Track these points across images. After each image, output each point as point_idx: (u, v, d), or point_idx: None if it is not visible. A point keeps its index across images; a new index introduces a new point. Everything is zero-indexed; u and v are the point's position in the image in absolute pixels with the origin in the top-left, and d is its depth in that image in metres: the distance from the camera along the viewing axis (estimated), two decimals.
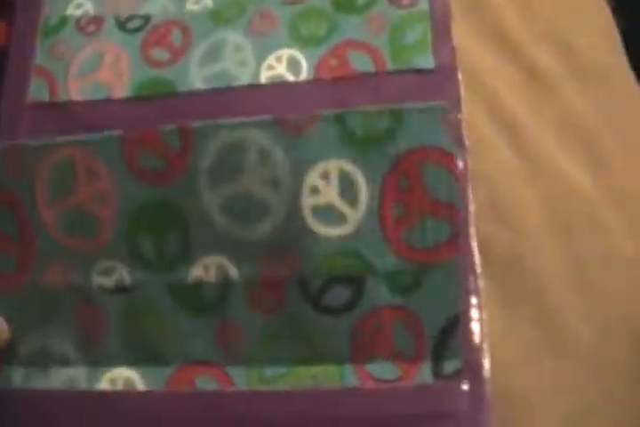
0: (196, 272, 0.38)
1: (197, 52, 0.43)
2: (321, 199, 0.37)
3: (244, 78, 0.42)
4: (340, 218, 0.37)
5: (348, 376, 0.36)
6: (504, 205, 0.39)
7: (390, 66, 0.41)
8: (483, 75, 0.42)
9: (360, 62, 0.41)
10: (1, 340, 0.39)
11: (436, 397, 0.35)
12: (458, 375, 0.35)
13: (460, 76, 0.41)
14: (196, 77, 0.42)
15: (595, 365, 0.37)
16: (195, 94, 0.42)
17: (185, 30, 0.44)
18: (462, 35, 0.42)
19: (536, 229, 0.39)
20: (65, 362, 0.39)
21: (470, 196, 0.37)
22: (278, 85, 0.42)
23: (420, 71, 0.41)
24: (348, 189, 0.37)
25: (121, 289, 0.39)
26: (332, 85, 0.41)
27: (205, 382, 0.37)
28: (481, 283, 0.36)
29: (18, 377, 0.39)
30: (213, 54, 0.43)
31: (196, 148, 0.38)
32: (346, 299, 0.36)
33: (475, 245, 0.37)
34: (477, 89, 0.41)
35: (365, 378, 0.36)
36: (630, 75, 0.46)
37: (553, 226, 0.39)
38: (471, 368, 0.35)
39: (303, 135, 0.37)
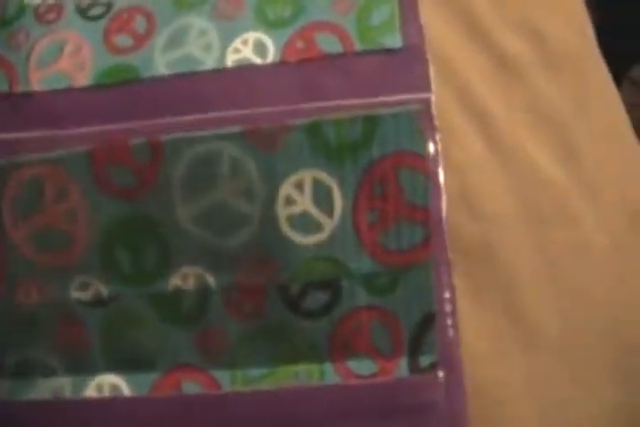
0: (175, 282, 0.38)
1: (161, 38, 0.43)
2: (296, 209, 0.37)
3: (208, 63, 0.41)
4: (316, 226, 0.37)
5: (329, 373, 0.37)
6: (475, 196, 0.39)
7: (358, 46, 0.41)
8: (453, 62, 0.42)
9: (327, 43, 0.41)
10: None
11: (412, 390, 0.36)
12: (433, 368, 0.36)
13: (428, 56, 0.41)
14: (160, 63, 0.42)
15: (566, 358, 0.38)
16: (159, 80, 0.41)
17: (148, 16, 0.43)
18: (432, 21, 0.42)
19: (507, 220, 0.39)
20: (50, 372, 0.39)
21: (444, 194, 0.38)
22: (245, 68, 0.41)
23: (388, 51, 0.40)
24: (322, 197, 0.37)
25: (99, 302, 0.39)
26: (300, 67, 0.41)
27: (191, 385, 0.38)
28: (454, 278, 0.37)
29: (4, 389, 0.39)
30: (177, 40, 0.42)
31: (167, 160, 0.38)
32: (324, 302, 0.37)
33: (447, 240, 0.38)
34: (448, 77, 0.41)
35: (346, 374, 0.37)
36: (602, 64, 0.46)
37: (524, 217, 0.39)
38: (446, 361, 0.36)
39: (276, 146, 0.38)
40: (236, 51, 0.42)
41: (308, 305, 0.37)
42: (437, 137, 0.39)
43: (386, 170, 0.37)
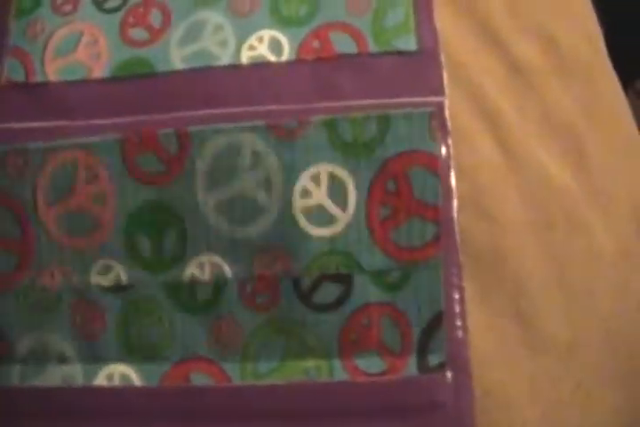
0: (191, 270, 0.39)
1: (177, 33, 0.43)
2: (311, 201, 0.38)
3: (224, 59, 0.42)
4: (330, 219, 0.38)
5: (338, 370, 0.37)
6: (485, 199, 0.40)
7: (373, 47, 0.41)
8: (467, 67, 0.42)
9: (342, 44, 0.41)
10: None
11: (421, 389, 0.37)
12: (442, 368, 0.37)
13: (442, 59, 0.41)
14: (176, 57, 0.42)
15: (570, 363, 0.38)
16: (174, 74, 0.42)
17: (164, 10, 0.43)
18: (446, 25, 0.42)
19: (516, 225, 0.40)
20: (62, 359, 0.39)
21: (455, 196, 0.38)
22: (260, 66, 0.42)
23: (402, 53, 0.41)
24: (337, 191, 0.38)
25: (118, 288, 0.39)
26: (315, 66, 0.41)
27: (200, 377, 0.38)
28: (464, 278, 0.38)
29: (15, 375, 0.39)
30: (193, 34, 0.43)
31: (194, 151, 0.39)
32: (335, 296, 0.38)
33: (458, 241, 0.38)
34: (461, 81, 0.42)
35: (354, 372, 0.37)
36: (612, 72, 0.46)
37: (533, 223, 0.40)
38: (454, 362, 0.37)
39: (295, 140, 0.38)
40: (252, 48, 0.42)
41: (319, 298, 0.38)
42: (449, 140, 0.40)
43: (398, 168, 0.38)
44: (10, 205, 0.40)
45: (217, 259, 0.39)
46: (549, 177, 0.41)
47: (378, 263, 0.38)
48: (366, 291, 0.38)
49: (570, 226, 0.40)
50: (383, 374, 0.37)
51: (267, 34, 0.42)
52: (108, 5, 0.44)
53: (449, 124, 0.40)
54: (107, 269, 0.39)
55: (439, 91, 0.41)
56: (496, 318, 0.38)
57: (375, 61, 0.41)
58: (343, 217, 0.38)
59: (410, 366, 0.37)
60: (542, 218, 0.40)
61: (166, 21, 0.43)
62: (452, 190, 0.39)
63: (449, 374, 0.37)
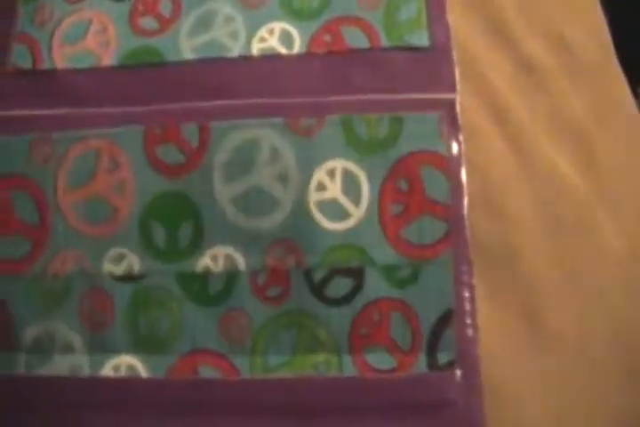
0: (205, 262, 0.39)
1: (187, 23, 0.43)
2: (326, 195, 0.38)
3: (235, 50, 0.42)
4: (344, 213, 0.38)
5: (348, 366, 0.37)
6: (495, 197, 0.40)
7: (385, 42, 0.41)
8: (478, 65, 0.42)
9: (354, 38, 0.42)
10: None
11: (430, 386, 0.37)
12: (451, 366, 0.37)
13: (454, 56, 0.41)
14: (186, 47, 0.42)
15: (577, 363, 0.38)
16: (184, 64, 0.42)
17: (174, 0, 0.43)
18: (459, 23, 0.43)
19: (527, 222, 0.40)
20: (69, 349, 0.39)
21: (465, 193, 0.39)
22: (270, 58, 0.42)
23: (414, 49, 0.41)
24: (351, 186, 0.38)
25: (129, 277, 0.39)
26: (326, 60, 0.41)
27: (208, 370, 0.38)
28: (474, 276, 0.38)
29: (21, 363, 0.39)
30: (203, 25, 0.43)
31: (214, 145, 0.39)
32: (347, 290, 0.38)
33: (469, 238, 0.38)
34: (472, 78, 0.42)
35: (364, 367, 0.37)
36: (621, 75, 0.47)
37: (543, 222, 0.40)
38: (464, 360, 0.37)
39: (312, 136, 0.39)
40: (262, 40, 0.42)
41: (331, 292, 0.38)
42: (460, 137, 0.40)
43: (410, 167, 0.39)
44: (32, 191, 0.40)
45: (231, 251, 0.39)
46: (560, 176, 0.41)
47: (389, 259, 0.38)
48: (377, 285, 0.38)
49: (579, 225, 0.40)
50: (392, 370, 0.37)
51: (277, 26, 0.42)
52: None
53: (460, 121, 0.40)
54: (119, 258, 0.39)
55: (451, 87, 0.41)
56: (506, 316, 0.38)
57: (387, 56, 0.41)
58: (356, 212, 0.38)
59: (419, 364, 0.37)
60: (552, 216, 0.40)
61: (176, 11, 0.43)
62: (462, 187, 0.39)
63: (458, 373, 0.37)
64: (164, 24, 0.43)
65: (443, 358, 0.37)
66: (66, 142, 0.40)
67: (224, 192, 0.39)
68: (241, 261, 0.38)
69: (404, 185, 0.38)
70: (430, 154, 0.39)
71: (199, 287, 0.39)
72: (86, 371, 0.38)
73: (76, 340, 0.39)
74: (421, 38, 0.41)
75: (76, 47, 0.43)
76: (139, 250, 0.39)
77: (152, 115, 0.41)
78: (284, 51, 0.42)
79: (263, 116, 0.40)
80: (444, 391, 0.37)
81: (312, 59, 0.41)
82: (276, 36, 0.42)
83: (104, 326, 0.39)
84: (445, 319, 0.37)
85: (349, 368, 0.37)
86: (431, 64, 0.41)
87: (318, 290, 0.38)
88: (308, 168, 0.39)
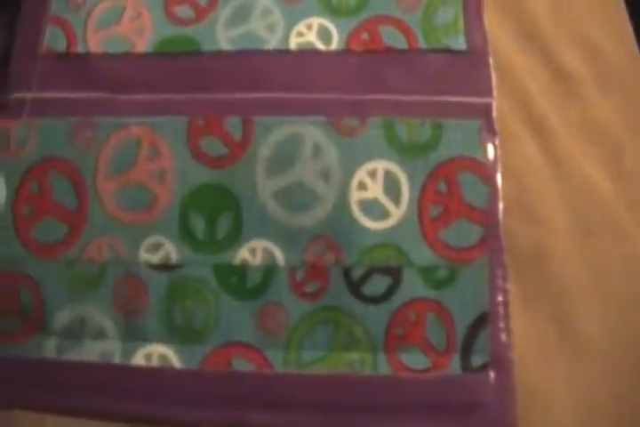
0: (243, 255, 0.38)
1: (223, 13, 0.43)
2: (367, 194, 0.39)
3: (272, 43, 0.41)
4: (384, 213, 0.39)
5: (383, 364, 0.37)
6: (530, 202, 0.40)
7: (422, 44, 0.42)
8: (513, 70, 0.43)
9: (392, 38, 0.42)
10: None
11: (463, 388, 0.37)
12: (485, 369, 0.37)
13: (491, 61, 0.42)
14: (222, 38, 0.42)
15: (607, 369, 0.38)
16: (221, 55, 0.42)
17: None
18: (494, 29, 0.43)
19: (558, 228, 0.40)
20: (101, 335, 0.38)
21: (500, 198, 0.39)
22: (308, 53, 0.42)
23: (452, 52, 0.41)
24: (392, 187, 0.39)
25: (166, 266, 0.39)
26: (364, 58, 0.42)
27: (242, 363, 0.38)
28: (508, 281, 0.38)
29: (51, 347, 0.38)
30: (241, 16, 0.42)
31: (257, 139, 0.39)
32: (384, 289, 0.38)
33: (504, 243, 0.39)
34: (507, 83, 0.42)
35: (398, 367, 0.37)
36: None
37: (574, 228, 0.40)
38: (498, 363, 0.37)
39: (355, 136, 0.39)
40: (300, 34, 0.42)
41: (369, 290, 0.38)
42: (497, 141, 0.40)
43: (450, 171, 0.39)
44: (72, 174, 0.40)
45: (270, 245, 0.38)
46: (591, 183, 0.41)
47: (427, 259, 0.38)
48: (414, 285, 0.38)
49: (609, 231, 0.40)
50: (427, 370, 0.37)
51: (315, 21, 0.42)
52: None
53: (496, 125, 0.40)
54: (156, 247, 0.39)
55: (488, 92, 0.41)
56: (537, 320, 0.38)
57: (425, 58, 0.41)
58: (396, 212, 0.39)
59: (453, 365, 0.37)
60: (583, 221, 0.40)
61: (213, 1, 0.43)
62: (498, 192, 0.39)
63: (492, 375, 0.37)
64: (201, 13, 0.42)
65: (477, 360, 0.37)
66: (107, 128, 0.40)
67: (265, 186, 0.39)
68: (279, 256, 0.38)
69: (443, 188, 0.39)
70: (469, 160, 0.39)
71: (236, 280, 0.38)
72: (117, 358, 0.38)
73: (109, 326, 0.38)
74: (459, 42, 0.42)
75: (110, 32, 0.42)
76: (176, 239, 0.39)
77: (192, 104, 0.40)
78: (321, 46, 0.42)
79: (303, 111, 0.40)
80: (476, 393, 0.37)
81: (349, 56, 0.41)
82: (314, 32, 0.42)
83: (138, 314, 0.38)
84: (480, 322, 0.37)
85: (384, 367, 0.37)
86: (468, 68, 0.41)
87: (356, 288, 0.38)
88: (349, 167, 0.39)
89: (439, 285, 0.38)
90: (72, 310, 0.38)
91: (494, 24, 0.43)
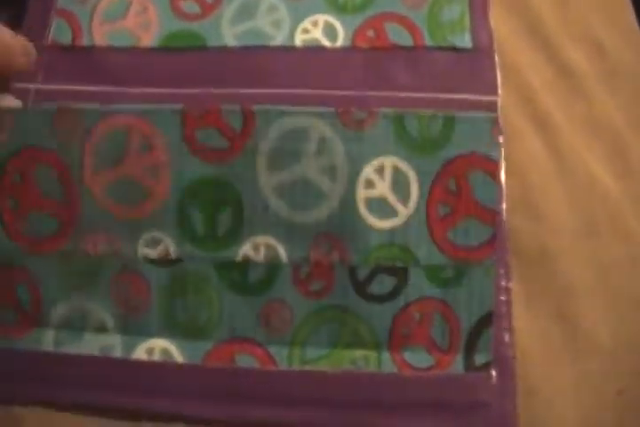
0: (245, 251, 0.38)
1: (229, 9, 0.43)
2: (375, 192, 0.38)
3: (278, 39, 0.41)
4: (391, 211, 0.38)
5: (386, 362, 0.37)
6: (535, 199, 0.40)
7: (428, 41, 0.42)
8: (518, 68, 0.43)
9: (397, 35, 0.42)
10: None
11: (466, 387, 0.37)
12: (487, 368, 0.37)
13: (496, 59, 0.42)
14: (228, 34, 0.42)
15: (612, 368, 0.38)
16: (226, 51, 0.42)
17: None
18: (499, 26, 0.43)
19: (563, 226, 0.40)
20: (101, 329, 0.38)
21: (505, 196, 0.39)
22: (314, 49, 0.42)
23: (457, 50, 0.42)
24: (400, 185, 0.38)
25: (166, 261, 0.38)
26: (369, 55, 0.42)
27: (245, 359, 0.37)
28: (511, 280, 0.38)
29: (49, 340, 0.38)
30: (246, 13, 0.43)
31: (258, 131, 0.38)
32: (390, 288, 0.38)
33: (508, 242, 0.39)
34: (512, 81, 0.42)
35: (402, 365, 0.37)
36: None
37: (579, 227, 0.40)
38: (499, 361, 0.37)
39: (363, 130, 0.38)
40: (305, 31, 0.42)
41: (374, 289, 0.38)
42: (501, 139, 0.40)
43: (460, 168, 0.38)
44: (56, 165, 0.39)
45: (273, 241, 0.38)
46: (595, 181, 0.41)
47: (434, 259, 0.38)
48: (420, 285, 0.38)
49: (613, 232, 0.40)
50: (430, 369, 0.37)
51: (321, 18, 0.42)
52: None
53: (501, 123, 0.40)
54: (155, 242, 0.38)
55: (492, 90, 0.41)
56: (541, 319, 0.38)
57: (430, 55, 0.42)
58: (404, 211, 0.38)
59: (456, 364, 0.37)
60: (587, 222, 0.40)
61: None
62: (502, 190, 0.39)
63: (494, 374, 0.37)
64: (206, 9, 0.43)
65: (479, 359, 0.37)
66: (92, 117, 0.39)
67: (268, 181, 0.38)
68: (283, 253, 0.38)
69: (452, 186, 0.38)
70: (480, 158, 0.38)
71: (239, 276, 0.38)
72: (118, 352, 0.38)
73: (109, 320, 0.38)
74: (464, 40, 0.42)
75: (116, 26, 0.42)
76: (175, 235, 0.38)
77: (192, 97, 0.40)
78: (327, 43, 0.42)
79: (308, 103, 0.39)
80: (478, 392, 0.37)
81: (355, 53, 0.42)
82: (319, 28, 0.42)
83: (139, 309, 0.38)
84: (485, 322, 0.37)
85: (388, 365, 0.37)
86: (473, 66, 0.41)
87: (362, 287, 0.38)
88: (357, 163, 0.38)
89: (445, 284, 0.38)
90: (70, 304, 0.38)
91: (499, 20, 0.43)
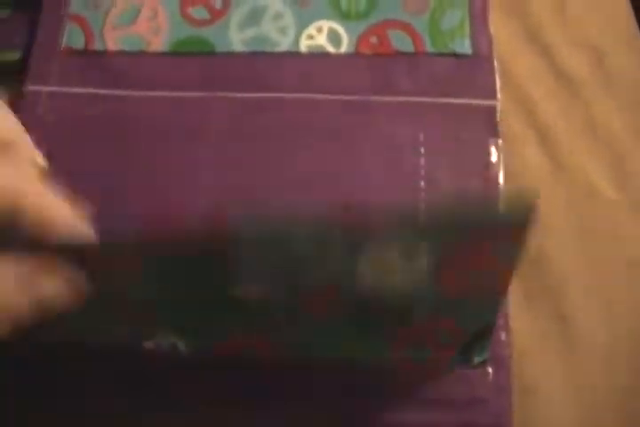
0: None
1: (236, 16, 0.44)
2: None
3: (283, 45, 0.42)
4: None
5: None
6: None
7: (429, 48, 0.43)
8: (517, 74, 0.44)
9: (400, 42, 0.43)
10: None
11: (462, 383, 0.38)
12: (483, 365, 0.38)
13: (495, 65, 0.43)
14: (235, 40, 0.43)
15: (608, 366, 0.39)
16: (234, 56, 0.43)
17: None
18: (499, 33, 0.44)
19: (560, 229, 0.41)
20: None
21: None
22: (318, 56, 0.43)
23: (457, 56, 0.43)
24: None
25: None
26: (373, 61, 0.43)
27: (251, 351, 0.37)
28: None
29: None
30: (253, 19, 0.44)
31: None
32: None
33: None
34: (511, 87, 0.43)
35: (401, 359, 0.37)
36: None
37: (576, 229, 0.41)
38: (496, 359, 0.38)
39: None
40: (310, 37, 0.43)
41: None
42: (499, 143, 0.41)
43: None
44: None
45: None
46: (593, 186, 0.42)
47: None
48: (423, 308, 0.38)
49: (611, 236, 0.41)
50: (425, 362, 0.37)
51: (326, 25, 0.44)
52: None
53: (499, 128, 0.41)
54: None
55: (492, 95, 0.42)
56: (536, 319, 0.39)
57: (431, 61, 0.43)
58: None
59: (452, 362, 0.37)
60: (584, 224, 0.41)
61: (227, 3, 0.44)
62: (499, 193, 0.40)
63: (490, 371, 0.38)
64: (215, 15, 0.44)
65: (477, 357, 0.37)
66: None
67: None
68: None
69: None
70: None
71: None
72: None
73: None
74: (464, 46, 0.43)
75: (127, 31, 0.44)
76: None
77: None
78: (332, 49, 0.43)
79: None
80: (474, 388, 0.37)
81: (359, 59, 0.43)
82: (324, 35, 0.43)
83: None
84: (485, 329, 0.36)
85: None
86: (473, 71, 0.43)
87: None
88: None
89: (452, 310, 0.37)
90: None
91: (499, 26, 0.44)
